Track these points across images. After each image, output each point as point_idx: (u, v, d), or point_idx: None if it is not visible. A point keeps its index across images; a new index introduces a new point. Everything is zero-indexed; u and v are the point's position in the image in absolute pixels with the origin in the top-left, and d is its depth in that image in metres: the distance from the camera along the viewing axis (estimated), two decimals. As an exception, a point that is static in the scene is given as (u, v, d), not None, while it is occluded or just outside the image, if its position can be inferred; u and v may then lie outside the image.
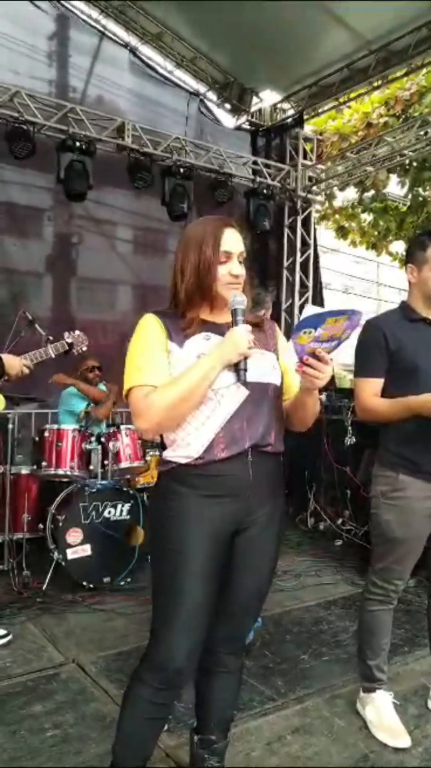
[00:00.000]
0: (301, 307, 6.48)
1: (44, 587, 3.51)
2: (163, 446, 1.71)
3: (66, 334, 3.19)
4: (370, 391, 2.25)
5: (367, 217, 8.42)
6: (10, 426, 3.74)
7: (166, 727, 2.20)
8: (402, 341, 2.23)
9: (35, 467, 3.84)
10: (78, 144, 4.94)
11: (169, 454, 1.67)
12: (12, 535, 3.75)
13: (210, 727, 1.85)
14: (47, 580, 3.52)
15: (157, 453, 4.04)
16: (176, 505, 1.63)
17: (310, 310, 2.97)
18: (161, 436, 1.71)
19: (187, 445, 1.62)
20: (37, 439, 3.89)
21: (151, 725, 1.70)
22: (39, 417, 4.82)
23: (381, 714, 2.28)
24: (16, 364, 2.57)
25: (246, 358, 1.59)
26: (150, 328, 1.67)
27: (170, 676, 1.63)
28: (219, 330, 1.67)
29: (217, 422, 1.61)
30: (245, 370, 1.59)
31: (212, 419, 1.61)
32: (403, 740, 2.19)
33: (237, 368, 1.60)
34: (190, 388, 1.57)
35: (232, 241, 1.68)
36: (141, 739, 1.71)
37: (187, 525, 1.61)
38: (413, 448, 2.20)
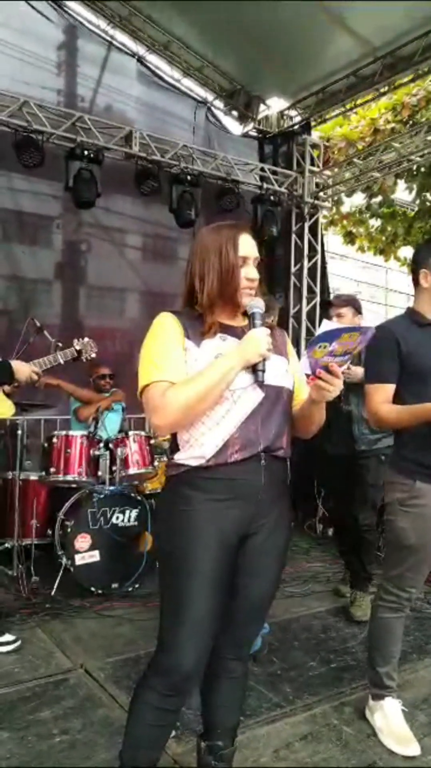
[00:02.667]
0: (309, 314, 6.47)
1: (52, 593, 3.51)
2: (173, 448, 1.71)
3: (75, 341, 3.21)
4: (381, 397, 2.24)
5: (375, 223, 8.42)
6: (19, 432, 3.77)
7: (173, 734, 2.21)
8: (414, 346, 2.22)
9: (44, 473, 3.86)
10: (86, 152, 4.98)
11: (180, 457, 1.66)
12: (21, 541, 3.77)
13: (216, 734, 1.84)
14: (55, 586, 3.53)
15: (165, 459, 4.04)
16: (185, 510, 1.62)
17: (327, 325, 2.98)
18: (174, 437, 1.71)
19: (201, 446, 1.62)
20: (45, 445, 3.90)
21: (158, 731, 1.70)
22: (47, 423, 4.85)
23: (390, 721, 2.26)
24: (25, 370, 2.59)
25: (264, 359, 1.62)
26: (167, 325, 1.68)
27: (177, 682, 1.62)
28: (235, 333, 1.69)
29: (233, 423, 1.62)
30: (263, 371, 1.62)
31: (227, 419, 1.62)
32: (412, 748, 2.17)
33: (256, 369, 1.62)
34: (209, 387, 1.57)
35: (249, 246, 1.71)
36: (148, 745, 1.70)
37: (196, 530, 1.61)
38: (429, 454, 2.19)
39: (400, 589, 2.27)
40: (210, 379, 1.58)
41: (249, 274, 1.70)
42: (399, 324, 2.33)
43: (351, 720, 2.38)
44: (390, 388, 2.24)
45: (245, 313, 1.73)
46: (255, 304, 1.68)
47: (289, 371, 1.76)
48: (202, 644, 1.63)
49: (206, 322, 1.68)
